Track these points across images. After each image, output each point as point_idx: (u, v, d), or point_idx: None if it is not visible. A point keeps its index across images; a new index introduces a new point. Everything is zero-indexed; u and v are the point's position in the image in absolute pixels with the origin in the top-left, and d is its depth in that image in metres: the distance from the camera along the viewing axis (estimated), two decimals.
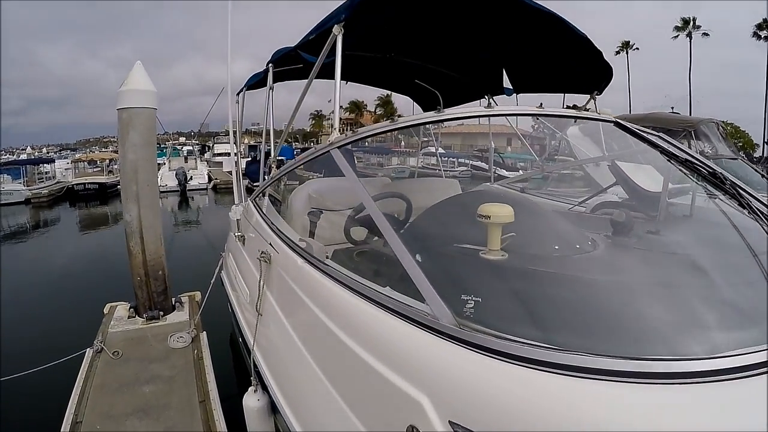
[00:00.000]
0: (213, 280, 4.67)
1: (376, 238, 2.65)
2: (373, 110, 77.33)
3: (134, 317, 4.79)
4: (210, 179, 24.51)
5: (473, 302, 1.41)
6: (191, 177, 22.88)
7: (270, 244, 2.84)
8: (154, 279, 4.77)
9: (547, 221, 2.42)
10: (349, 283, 1.84)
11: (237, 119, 4.94)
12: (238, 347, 3.92)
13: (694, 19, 54.34)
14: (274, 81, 4.01)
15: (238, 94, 4.76)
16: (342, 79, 2.81)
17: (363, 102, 78.37)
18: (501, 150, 31.94)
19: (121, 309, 4.92)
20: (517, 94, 4.08)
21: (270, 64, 3.78)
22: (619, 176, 3.88)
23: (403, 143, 57.12)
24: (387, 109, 72.12)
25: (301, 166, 3.21)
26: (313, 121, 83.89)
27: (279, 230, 2.89)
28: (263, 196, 3.64)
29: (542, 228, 2.24)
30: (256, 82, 4.41)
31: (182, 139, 36.14)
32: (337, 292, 1.89)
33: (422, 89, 5.46)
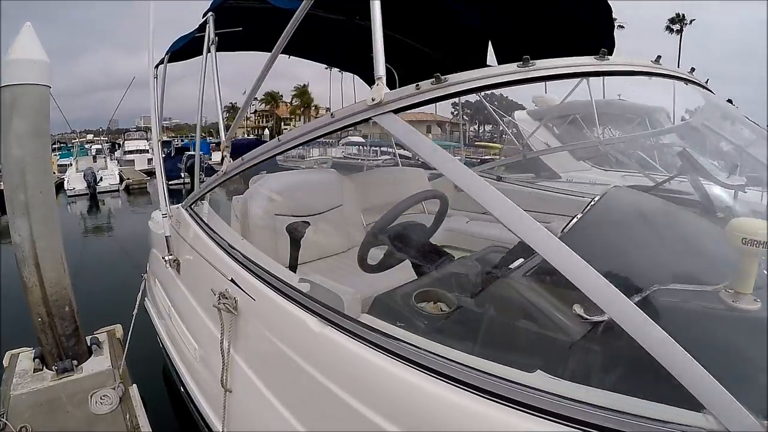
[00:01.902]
0: (135, 311, 3.65)
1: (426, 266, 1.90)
2: (289, 101, 76.94)
3: (41, 370, 3.62)
4: (122, 179, 22.25)
5: None
6: (101, 178, 20.52)
7: (232, 280, 2.00)
8: (60, 318, 3.56)
9: None
10: (433, 365, 1.15)
11: (156, 101, 3.75)
12: (176, 390, 3.08)
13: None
14: (197, 53, 3.09)
15: (157, 66, 3.59)
16: (287, 52, 2.86)
17: (279, 93, 77.31)
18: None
19: (25, 359, 3.74)
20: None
21: (210, 14, 2.75)
22: (692, 166, 3.15)
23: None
24: (303, 99, 72.75)
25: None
26: (228, 114, 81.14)
27: (246, 258, 2.02)
28: (202, 201, 2.70)
29: None
30: (183, 48, 3.33)
31: (90, 137, 33.19)
32: (406, 379, 1.18)
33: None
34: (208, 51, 2.66)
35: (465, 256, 2.03)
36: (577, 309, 1.18)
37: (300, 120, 75.59)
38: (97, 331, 4.26)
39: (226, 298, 1.88)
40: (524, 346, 1.29)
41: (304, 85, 73.88)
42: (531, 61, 1.31)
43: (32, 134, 3.29)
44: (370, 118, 1.41)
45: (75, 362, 3.62)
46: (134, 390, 3.38)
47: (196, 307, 2.44)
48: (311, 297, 1.56)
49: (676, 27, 54.81)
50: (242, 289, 1.88)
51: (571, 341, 1.19)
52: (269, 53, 2.03)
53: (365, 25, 3.98)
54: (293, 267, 2.27)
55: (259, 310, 1.83)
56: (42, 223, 3.37)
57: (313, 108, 73.13)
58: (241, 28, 3.22)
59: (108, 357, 3.81)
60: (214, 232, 2.33)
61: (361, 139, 34.50)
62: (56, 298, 3.50)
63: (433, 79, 1.30)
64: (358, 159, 26.49)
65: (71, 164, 22.90)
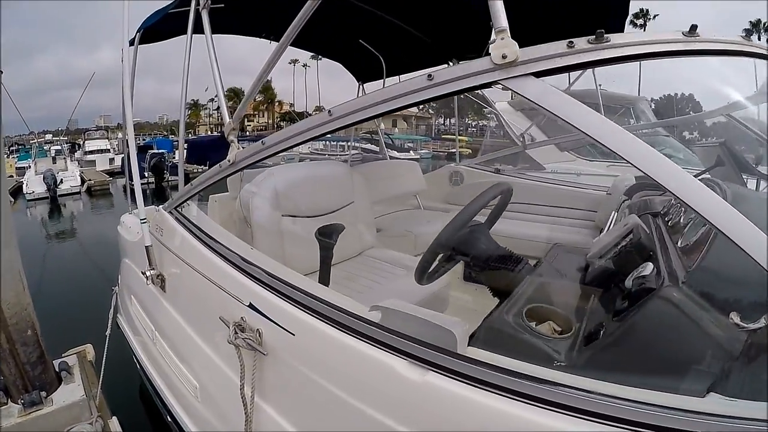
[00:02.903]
0: (108, 331, 3.34)
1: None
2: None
3: (6, 403, 3.10)
4: (83, 181, 21.33)
5: None
6: (62, 180, 19.56)
7: (252, 306, 1.62)
8: (23, 344, 3.06)
9: None
10: (573, 402, 0.94)
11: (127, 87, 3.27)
12: (161, 421, 2.75)
13: None
14: (177, 32, 2.96)
15: (130, 45, 3.10)
16: (267, 37, 2.84)
17: (241, 89, 74.53)
18: (388, 131, 32.42)
19: None
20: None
21: None
22: (732, 159, 2.91)
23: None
24: (267, 95, 72.85)
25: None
26: (190, 111, 79.85)
27: (272, 277, 1.62)
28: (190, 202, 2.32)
29: None
30: (157, 24, 2.89)
31: (49, 137, 31.81)
32: (545, 424, 0.95)
33: (359, 54, 4.63)
34: (197, 21, 2.21)
35: (539, 262, 1.69)
36: (734, 317, 1.00)
37: (264, 116, 74.83)
38: (66, 354, 3.76)
39: (243, 330, 1.48)
40: (687, 366, 1.04)
41: (268, 80, 72.23)
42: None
43: None
44: (494, 82, 1.08)
45: (43, 393, 3.14)
46: (114, 423, 2.96)
47: (194, 338, 2.03)
48: (393, 331, 1.21)
49: (640, 21, 57.40)
50: (271, 319, 1.49)
51: (735, 353, 1.00)
52: (255, 37, 1.78)
53: (355, 7, 3.67)
54: (324, 284, 1.88)
55: (304, 348, 1.46)
56: None
57: (277, 103, 72.40)
58: (223, 5, 2.79)
59: (80, 384, 3.32)
60: (215, 240, 1.91)
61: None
62: (16, 321, 2.99)
63: (593, 37, 1.01)
64: (324, 154, 26.21)
65: (30, 166, 21.86)
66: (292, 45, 4.36)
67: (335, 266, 3.01)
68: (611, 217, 3.13)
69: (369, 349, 1.23)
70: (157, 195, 19.38)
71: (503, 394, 1.00)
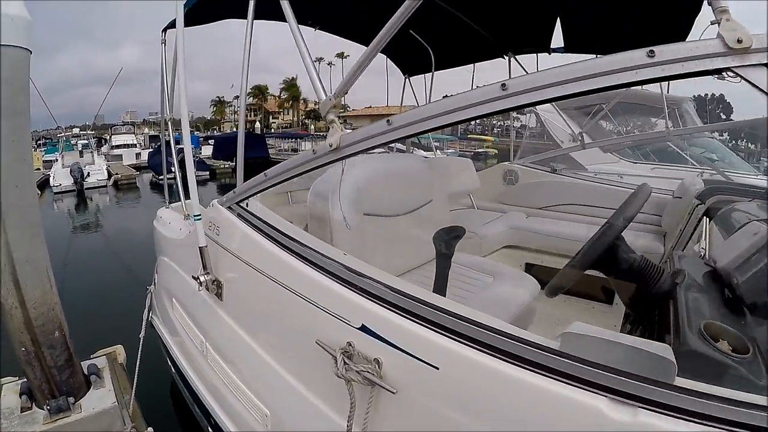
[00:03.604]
0: (142, 334, 3.08)
1: None
2: (277, 94, 76.67)
3: (30, 408, 2.89)
4: (110, 175, 21.49)
5: None
6: (88, 173, 19.75)
7: (365, 329, 1.34)
8: (50, 347, 2.82)
9: None
10: None
11: (165, 73, 3.05)
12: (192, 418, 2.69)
13: None
14: (215, 17, 2.79)
15: (165, 30, 2.96)
16: (313, 25, 2.96)
17: (266, 86, 77.07)
18: None
19: (9, 393, 3.01)
20: (568, 53, 3.79)
21: None
22: None
23: (312, 128, 56.85)
24: (291, 92, 72.95)
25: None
26: (215, 108, 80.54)
27: (396, 292, 1.32)
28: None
29: None
30: (197, 6, 2.60)
31: (76, 130, 32.15)
32: None
33: (407, 47, 4.35)
34: (244, 4, 1.90)
35: (678, 272, 1.44)
36: None
37: (288, 114, 75.19)
38: (95, 355, 3.54)
39: (350, 357, 1.22)
40: None
41: (293, 78, 73.21)
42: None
43: (5, 111, 2.52)
44: (725, 69, 0.89)
45: (71, 399, 2.90)
46: None
47: (266, 359, 1.76)
48: (583, 360, 0.99)
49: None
50: (398, 347, 1.22)
51: None
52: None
53: None
54: (445, 284, 1.59)
55: (455, 386, 1.18)
56: (20, 228, 2.59)
57: (302, 101, 72.45)
58: None
59: (111, 390, 3.08)
60: (303, 245, 1.60)
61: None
62: (42, 322, 2.75)
63: None
64: None
65: (57, 160, 21.99)
66: (339, 35, 4.13)
67: (411, 272, 2.70)
68: (684, 222, 2.81)
69: (557, 386, 0.99)
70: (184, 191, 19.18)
71: (720, 426, 0.86)
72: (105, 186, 20.32)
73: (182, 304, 2.63)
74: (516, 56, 4.24)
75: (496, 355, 1.08)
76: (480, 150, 31.33)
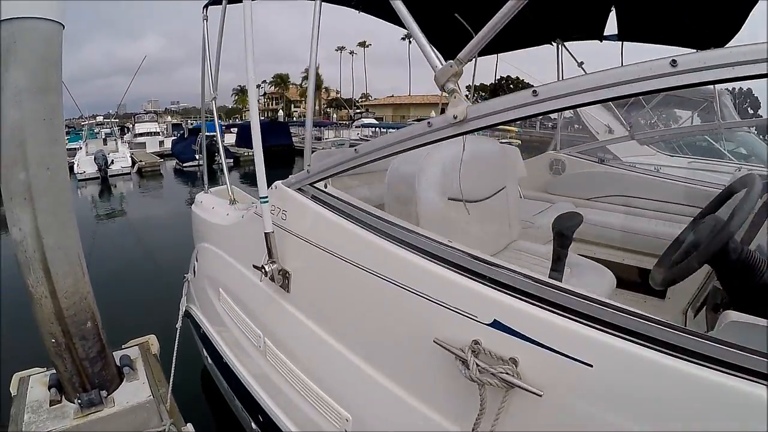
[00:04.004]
0: (179, 324, 2.94)
1: None
2: (299, 83, 75.73)
3: (59, 402, 2.76)
4: (134, 162, 21.54)
5: None
6: (112, 161, 19.75)
7: (497, 324, 1.17)
8: (81, 338, 2.69)
9: None
10: None
11: (207, 48, 2.90)
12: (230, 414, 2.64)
13: None
14: None
15: (206, 6, 2.83)
16: (356, 7, 2.53)
17: (287, 75, 76.72)
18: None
19: (37, 385, 2.90)
20: (621, 41, 3.66)
21: None
22: None
23: (334, 116, 56.86)
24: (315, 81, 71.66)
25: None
26: (236, 97, 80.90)
27: (534, 281, 1.16)
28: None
29: None
30: None
31: (100, 118, 32.43)
32: None
33: (451, 30, 4.03)
34: None
35: None
36: None
37: None
38: (126, 345, 3.40)
39: (476, 355, 1.07)
40: None
41: (317, 65, 72.73)
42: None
43: (37, 89, 2.36)
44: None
45: (104, 393, 2.77)
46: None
47: (356, 363, 1.59)
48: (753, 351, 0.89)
49: None
50: (542, 344, 1.07)
51: None
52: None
53: None
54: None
55: (612, 383, 1.03)
56: (51, 212, 2.44)
57: (324, 90, 72.44)
58: None
59: (145, 382, 2.95)
60: (413, 233, 1.42)
61: (374, 121, 34.56)
62: (74, 312, 2.61)
63: None
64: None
65: (80, 147, 22.04)
66: (380, 17, 3.91)
67: None
68: (747, 217, 2.65)
69: (724, 378, 0.89)
70: (208, 178, 19.18)
71: None
72: (129, 173, 20.34)
73: (232, 294, 2.45)
74: (564, 43, 4.07)
75: (661, 348, 0.96)
76: (503, 141, 30.99)
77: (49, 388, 2.80)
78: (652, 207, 3.81)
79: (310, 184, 1.78)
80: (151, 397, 2.80)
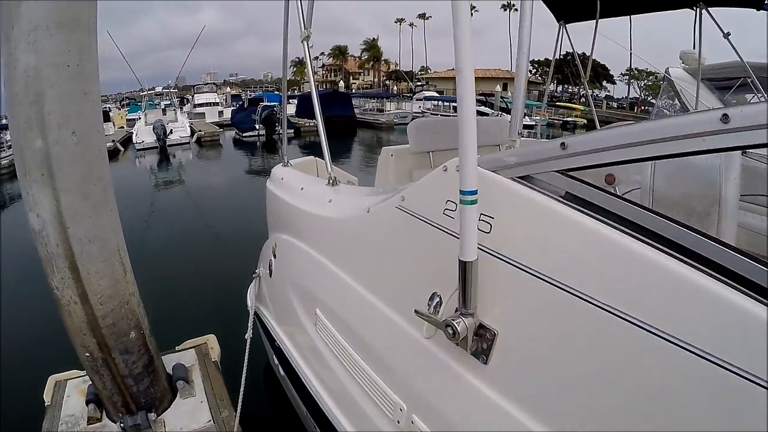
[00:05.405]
0: (249, 334, 2.39)
1: None
2: (358, 55, 76.41)
3: (99, 419, 2.27)
4: (193, 132, 21.60)
5: None
6: (171, 130, 19.78)
7: None
8: (123, 352, 2.11)
9: None
10: None
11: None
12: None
13: None
14: None
15: None
16: None
17: (345, 46, 76.83)
18: (503, 95, 30.53)
19: (75, 393, 2.45)
20: None
21: None
22: None
23: (394, 89, 55.83)
24: (372, 52, 73.37)
25: None
26: (295, 69, 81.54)
27: None
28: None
29: None
30: None
31: (159, 88, 32.76)
32: None
33: None
34: None
35: None
36: None
37: (369, 74, 75.24)
38: (180, 347, 2.86)
39: None
40: None
41: (374, 39, 72.33)
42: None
43: (56, 24, 1.71)
44: None
45: (152, 415, 2.22)
46: None
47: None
48: None
49: None
50: None
51: None
52: None
53: None
54: None
55: None
56: (78, 192, 1.81)
57: (383, 62, 71.43)
58: None
59: (204, 401, 2.39)
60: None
61: (435, 94, 33.83)
62: (112, 321, 2.01)
63: None
64: (437, 114, 25.72)
65: (140, 117, 22.27)
66: None
67: None
68: None
69: None
70: (268, 148, 19.27)
71: None
72: (188, 143, 20.39)
73: (346, 329, 1.67)
74: (709, 8, 3.45)
75: None
76: (569, 119, 29.48)
77: (87, 403, 2.29)
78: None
79: (562, 171, 1.02)
80: (212, 422, 2.24)
